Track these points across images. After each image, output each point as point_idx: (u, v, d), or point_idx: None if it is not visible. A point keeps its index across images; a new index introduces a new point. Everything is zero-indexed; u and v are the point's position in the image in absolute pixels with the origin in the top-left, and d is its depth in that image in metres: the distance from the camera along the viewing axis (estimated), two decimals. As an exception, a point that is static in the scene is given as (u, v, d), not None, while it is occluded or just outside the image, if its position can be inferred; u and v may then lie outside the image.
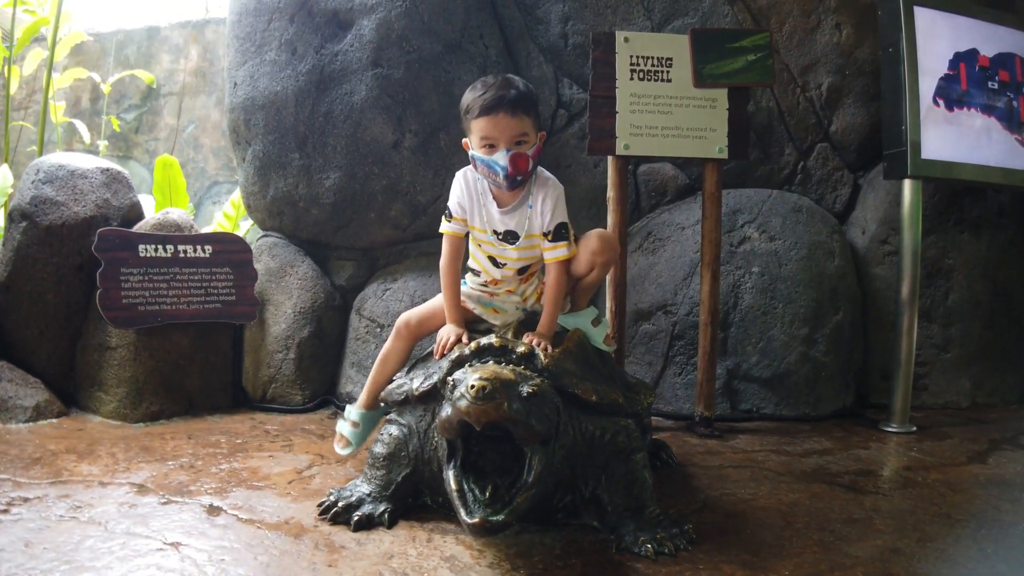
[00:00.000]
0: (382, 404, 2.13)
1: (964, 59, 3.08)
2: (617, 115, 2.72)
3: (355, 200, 3.23)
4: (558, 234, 2.02)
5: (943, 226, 3.35)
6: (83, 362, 2.93)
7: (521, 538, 1.73)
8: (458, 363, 1.81)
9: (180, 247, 2.97)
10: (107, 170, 3.06)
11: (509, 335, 1.92)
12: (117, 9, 5.69)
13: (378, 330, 3.13)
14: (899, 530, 1.83)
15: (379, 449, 1.89)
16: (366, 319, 3.20)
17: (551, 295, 2.02)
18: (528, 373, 1.71)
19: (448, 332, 2.00)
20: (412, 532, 1.77)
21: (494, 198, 2.05)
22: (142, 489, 2.00)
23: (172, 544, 1.65)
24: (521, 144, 1.95)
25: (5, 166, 3.79)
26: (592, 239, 2.05)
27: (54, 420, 2.73)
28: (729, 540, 1.75)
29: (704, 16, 3.35)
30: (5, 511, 1.80)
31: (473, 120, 1.96)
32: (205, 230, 3.77)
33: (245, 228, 4.20)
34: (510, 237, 2.06)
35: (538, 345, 1.85)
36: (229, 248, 3.08)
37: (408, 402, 1.90)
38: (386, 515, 1.80)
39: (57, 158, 3.03)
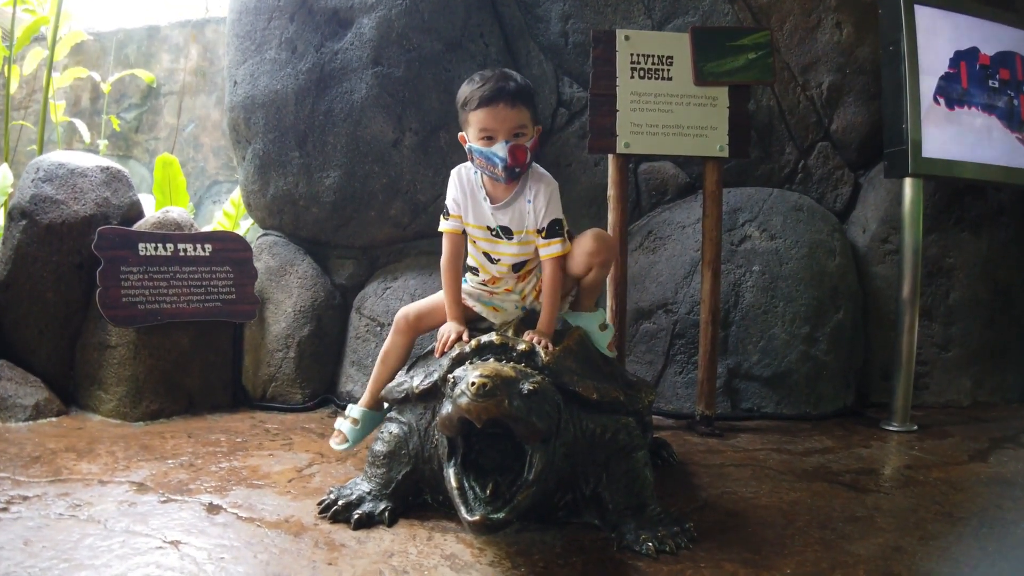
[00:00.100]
0: (385, 405, 2.13)
1: (965, 58, 3.07)
2: (618, 113, 2.72)
3: (355, 199, 3.23)
4: (552, 230, 2.02)
5: (944, 225, 3.35)
6: (83, 361, 2.92)
7: (522, 536, 1.72)
8: (459, 361, 1.80)
9: (180, 246, 2.97)
10: (107, 168, 3.06)
11: (509, 333, 1.92)
12: (117, 8, 5.71)
13: (378, 329, 3.12)
14: (901, 528, 1.83)
15: (379, 447, 1.89)
16: (366, 318, 3.20)
17: (548, 292, 2.02)
18: (529, 371, 1.70)
19: (449, 330, 2.00)
20: (412, 530, 1.76)
21: (488, 194, 2.06)
22: (142, 487, 2.00)
23: (172, 542, 1.64)
24: (519, 136, 1.96)
25: (5, 165, 3.79)
26: (587, 239, 2.04)
27: (54, 419, 2.72)
28: (730, 538, 1.74)
29: (704, 15, 3.34)
30: (4, 509, 1.79)
31: (471, 112, 1.96)
32: (205, 229, 3.77)
33: (245, 227, 4.19)
34: (504, 233, 2.06)
35: (538, 343, 1.85)
36: (229, 247, 3.08)
37: (408, 400, 1.90)
38: (386, 513, 1.79)
39: (57, 156, 3.03)
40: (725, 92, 2.77)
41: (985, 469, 2.37)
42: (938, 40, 3.00)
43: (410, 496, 1.88)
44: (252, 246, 3.23)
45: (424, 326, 2.18)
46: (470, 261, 2.19)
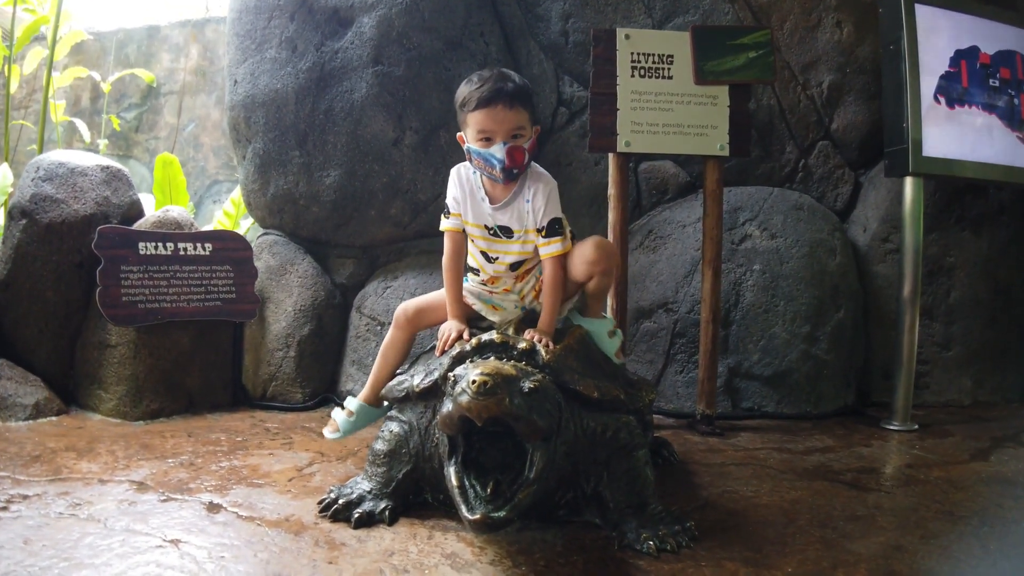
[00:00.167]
0: (384, 403, 2.13)
1: (965, 56, 3.07)
2: (618, 112, 2.71)
3: (355, 198, 3.22)
4: (551, 229, 2.02)
5: (944, 224, 3.35)
6: (83, 360, 2.92)
7: (523, 535, 1.72)
8: (459, 359, 1.80)
9: (180, 245, 2.97)
10: (107, 168, 3.06)
11: (510, 331, 1.91)
12: (117, 8, 5.71)
13: (379, 328, 3.12)
14: (902, 527, 1.82)
15: (380, 446, 1.89)
16: (367, 317, 3.20)
17: (548, 291, 2.01)
18: (529, 369, 1.70)
19: (450, 328, 2.00)
20: (413, 529, 1.76)
21: (487, 194, 2.06)
22: (142, 487, 2.00)
23: (172, 541, 1.64)
24: (517, 137, 1.95)
25: (5, 165, 3.79)
26: (588, 248, 2.03)
27: (54, 418, 2.72)
28: (731, 537, 1.74)
29: (705, 14, 3.34)
30: (4, 508, 1.79)
31: (470, 113, 1.96)
32: (205, 228, 3.76)
33: (245, 226, 4.19)
34: (503, 232, 2.06)
35: (539, 341, 1.85)
36: (229, 246, 3.08)
37: (409, 399, 1.89)
38: (387, 512, 1.79)
39: (57, 156, 3.03)
40: (725, 91, 2.77)
41: (986, 468, 2.37)
42: (938, 39, 3.00)
43: (411, 495, 1.88)
44: (252, 245, 3.23)
45: (424, 322, 2.18)
46: (470, 261, 2.19)
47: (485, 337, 1.85)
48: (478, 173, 2.06)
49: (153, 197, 4.15)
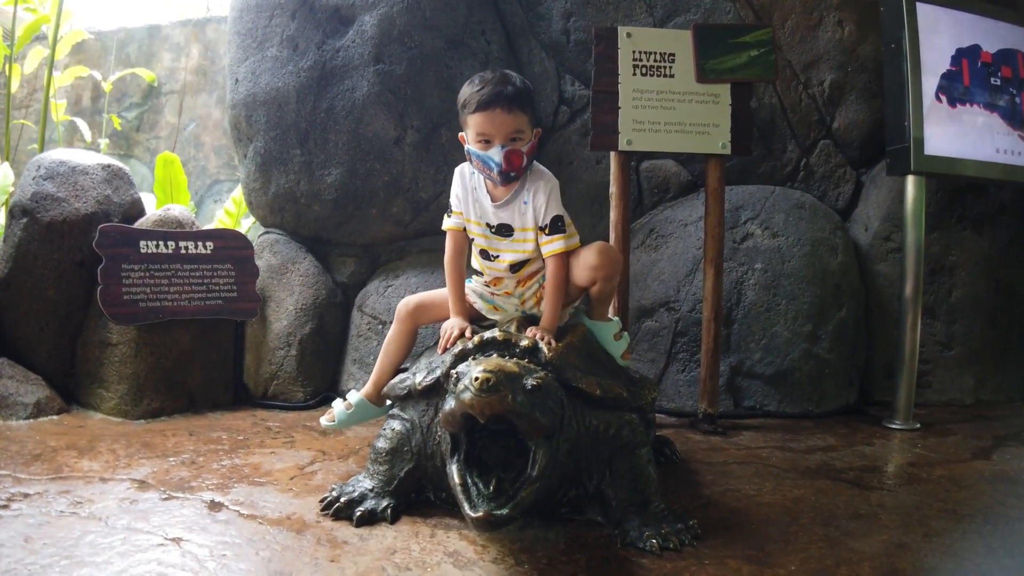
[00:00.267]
0: (386, 402, 2.12)
1: (966, 55, 3.07)
2: (620, 111, 2.71)
3: (357, 196, 3.22)
4: (555, 227, 2.02)
5: (946, 223, 3.34)
6: (84, 359, 2.92)
7: (525, 533, 1.72)
8: (461, 357, 1.80)
9: (181, 243, 2.97)
10: (108, 166, 3.06)
11: (512, 329, 1.91)
12: (118, 7, 5.70)
13: (380, 327, 3.12)
14: (905, 525, 1.82)
15: (381, 444, 1.88)
16: (368, 316, 3.20)
17: (551, 289, 2.01)
18: (532, 366, 1.70)
19: (452, 326, 2.00)
20: (415, 527, 1.75)
21: (488, 192, 2.06)
22: (143, 485, 1.99)
23: (173, 539, 1.64)
24: (516, 141, 1.95)
25: (6, 164, 3.78)
26: (591, 253, 2.02)
27: (55, 417, 2.72)
28: (734, 535, 1.73)
29: (706, 13, 3.34)
30: (5, 506, 1.79)
31: (469, 115, 1.96)
32: (207, 227, 3.76)
33: (246, 226, 4.19)
34: (504, 231, 2.06)
35: (541, 339, 1.85)
36: (230, 244, 3.08)
37: (411, 396, 1.89)
38: (389, 510, 1.78)
39: (58, 154, 3.02)
40: (727, 89, 2.77)
41: (988, 467, 2.36)
42: (940, 38, 3.00)
43: (413, 493, 1.87)
44: (253, 244, 3.23)
45: (425, 317, 2.18)
46: (473, 263, 2.19)
47: (487, 335, 1.84)
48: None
49: (154, 196, 4.15)
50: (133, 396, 2.79)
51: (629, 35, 2.74)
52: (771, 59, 2.79)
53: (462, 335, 1.94)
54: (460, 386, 1.51)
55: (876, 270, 3.30)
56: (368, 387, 2.22)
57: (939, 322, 3.30)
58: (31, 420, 2.64)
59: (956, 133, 3.00)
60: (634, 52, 2.73)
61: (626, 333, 2.21)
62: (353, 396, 2.22)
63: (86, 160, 3.02)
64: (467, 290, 2.16)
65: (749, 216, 3.22)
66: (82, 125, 4.85)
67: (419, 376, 1.87)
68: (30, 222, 2.84)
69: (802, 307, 3.05)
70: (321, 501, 1.86)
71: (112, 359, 2.84)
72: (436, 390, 1.82)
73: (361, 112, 3.11)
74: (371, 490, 1.84)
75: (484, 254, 2.12)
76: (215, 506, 1.85)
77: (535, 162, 2.08)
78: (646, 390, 2.06)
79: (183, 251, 2.97)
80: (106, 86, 5.12)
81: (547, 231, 2.02)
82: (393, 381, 1.99)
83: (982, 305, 3.33)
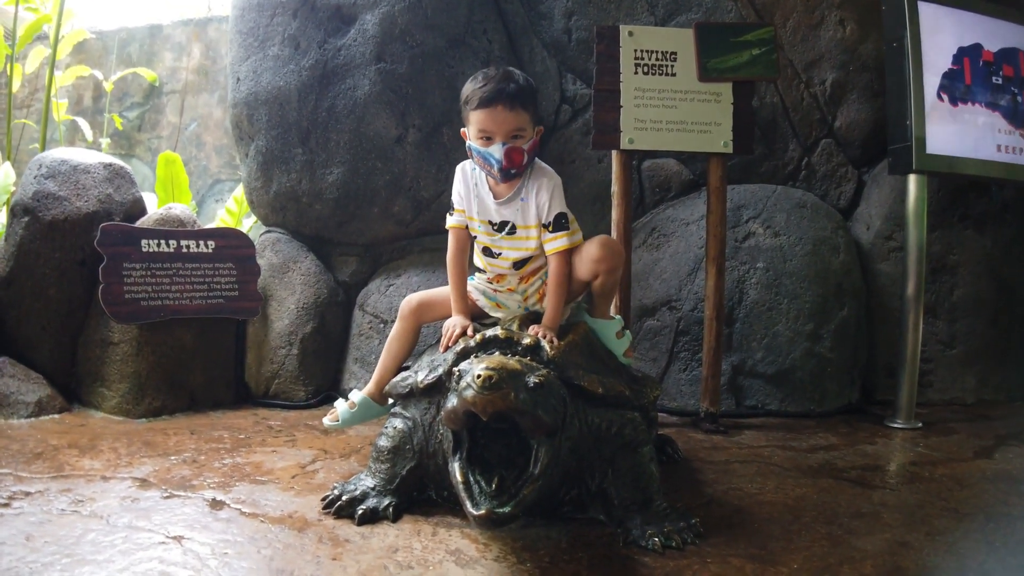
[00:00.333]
0: (388, 402, 2.12)
1: (968, 54, 3.06)
2: (621, 109, 2.71)
3: (358, 195, 3.22)
4: (558, 224, 2.02)
5: (947, 222, 3.34)
6: (85, 358, 2.91)
7: (527, 532, 1.71)
8: (464, 354, 1.80)
9: (183, 242, 2.96)
10: (109, 165, 3.06)
11: (515, 327, 1.91)
12: (119, 7, 5.70)
13: (381, 326, 3.12)
14: (907, 524, 1.82)
15: (383, 442, 1.88)
16: (369, 315, 3.20)
17: (554, 286, 2.01)
18: (534, 364, 1.69)
19: (454, 324, 2.00)
20: (417, 526, 1.75)
21: (490, 189, 2.06)
22: (144, 483, 1.99)
23: (175, 538, 1.63)
24: (517, 138, 1.95)
25: (7, 164, 3.79)
26: (593, 246, 2.03)
27: (56, 416, 2.72)
28: (737, 534, 1.73)
29: (707, 12, 3.34)
30: (6, 505, 1.79)
31: (472, 111, 1.96)
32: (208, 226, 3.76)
33: (248, 225, 4.19)
34: (506, 227, 2.06)
35: (544, 337, 1.84)
36: (232, 243, 3.08)
37: (413, 395, 1.89)
38: (390, 509, 1.78)
39: (59, 153, 3.03)
40: (729, 88, 2.76)
41: (990, 466, 2.36)
42: (941, 36, 2.99)
43: (414, 491, 1.87)
44: (255, 243, 3.23)
45: (428, 315, 2.18)
46: (476, 261, 2.19)
47: (489, 333, 1.84)
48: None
49: (156, 196, 4.15)
50: (134, 395, 2.79)
51: (631, 34, 2.74)
52: (773, 58, 2.79)
53: (464, 333, 1.94)
54: (462, 384, 1.50)
55: (878, 269, 3.30)
56: (371, 386, 2.22)
57: (941, 321, 3.30)
58: (32, 419, 2.64)
59: (958, 132, 2.99)
60: (636, 51, 2.73)
61: (628, 331, 2.20)
62: (356, 395, 2.22)
63: (88, 159, 3.02)
64: (469, 288, 2.16)
65: (751, 215, 3.22)
66: (83, 125, 4.85)
67: (421, 374, 1.87)
68: (32, 221, 2.84)
69: (804, 306, 3.05)
70: (323, 499, 1.85)
71: (113, 358, 2.84)
72: (438, 388, 1.82)
73: (363, 111, 3.11)
74: (373, 488, 1.84)
75: (487, 251, 2.12)
76: (217, 504, 1.85)
77: (537, 160, 2.08)
78: (648, 388, 2.06)
79: (185, 250, 2.96)
80: (107, 86, 5.12)
81: (550, 228, 2.02)
82: (395, 379, 1.98)
83: (984, 304, 3.32)
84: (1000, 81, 3.12)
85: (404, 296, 3.05)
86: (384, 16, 3.08)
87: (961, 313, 3.30)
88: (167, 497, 1.89)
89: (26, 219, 2.85)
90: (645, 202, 3.48)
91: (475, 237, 2.13)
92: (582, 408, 1.76)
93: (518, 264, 2.10)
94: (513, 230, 2.06)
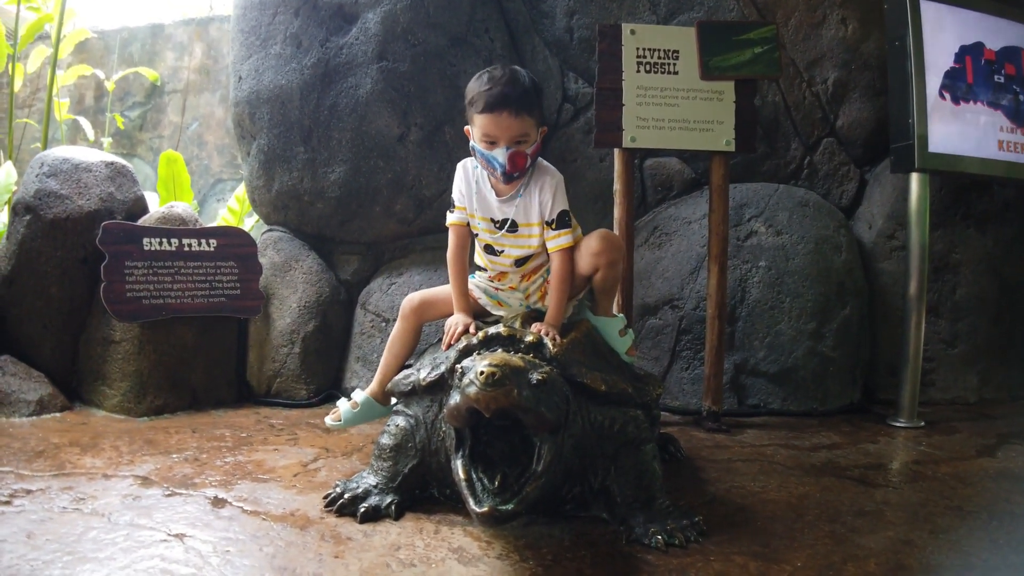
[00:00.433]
0: (391, 401, 2.12)
1: (970, 52, 3.06)
2: (623, 107, 2.71)
3: (360, 194, 3.22)
4: (561, 221, 2.02)
5: (950, 221, 3.34)
6: (87, 356, 2.91)
7: (530, 530, 1.71)
8: (466, 352, 1.79)
9: (185, 241, 2.96)
10: (111, 164, 3.06)
11: (517, 325, 1.90)
12: (121, 6, 5.69)
13: (383, 324, 3.11)
14: (910, 522, 1.81)
15: (385, 440, 1.88)
16: (371, 313, 3.19)
17: (556, 284, 2.01)
18: (537, 361, 1.69)
19: (456, 322, 2.00)
20: (419, 524, 1.75)
21: (492, 187, 2.06)
22: (146, 481, 1.99)
23: (177, 535, 1.63)
24: (521, 143, 1.95)
25: (9, 163, 3.78)
26: (593, 240, 2.03)
27: (57, 414, 2.71)
28: (740, 532, 1.73)
29: (709, 10, 3.34)
30: (7, 503, 1.78)
31: (476, 114, 1.96)
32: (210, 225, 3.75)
33: (250, 224, 4.19)
34: (509, 226, 2.06)
35: (546, 334, 1.84)
36: (234, 242, 3.08)
37: (415, 392, 1.88)
38: (393, 507, 1.78)
39: (61, 151, 3.02)
40: (731, 86, 2.76)
41: (993, 464, 2.36)
42: (943, 35, 2.99)
43: (417, 489, 1.87)
44: (257, 242, 3.22)
45: (429, 314, 2.18)
46: (476, 259, 2.19)
47: (492, 330, 1.84)
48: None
49: (157, 195, 4.15)
50: (136, 393, 2.79)
51: (633, 32, 2.73)
52: (775, 56, 2.78)
53: (466, 331, 1.94)
54: (465, 380, 1.50)
55: (880, 268, 3.30)
56: (373, 385, 2.21)
57: (943, 320, 3.30)
58: (34, 417, 2.64)
59: (960, 131, 2.99)
60: (638, 49, 2.73)
61: (631, 330, 2.20)
62: (359, 395, 2.22)
63: (89, 157, 3.02)
64: (470, 286, 2.16)
65: (753, 214, 3.21)
66: (85, 124, 4.85)
67: (423, 372, 1.86)
68: (33, 219, 2.84)
69: (806, 305, 3.04)
70: (325, 497, 1.85)
71: (115, 356, 2.83)
72: (440, 386, 1.82)
73: (365, 109, 3.11)
74: (375, 486, 1.83)
75: (489, 249, 2.11)
76: (218, 502, 1.85)
77: (539, 158, 2.08)
78: (651, 386, 2.06)
79: (186, 248, 2.96)
80: (109, 85, 5.12)
81: (553, 226, 2.01)
82: (397, 377, 1.98)
83: (986, 303, 3.32)
84: (1002, 80, 3.11)
85: (406, 295, 3.06)
86: (386, 15, 3.08)
87: (963, 312, 3.30)
88: (169, 495, 1.89)
89: (28, 217, 2.85)
90: (647, 201, 3.47)
91: (476, 235, 2.13)
92: (585, 405, 1.76)
93: (520, 261, 2.10)
94: (515, 228, 2.06)
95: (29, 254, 2.84)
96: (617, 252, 2.04)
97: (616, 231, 2.73)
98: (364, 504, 1.77)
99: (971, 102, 3.04)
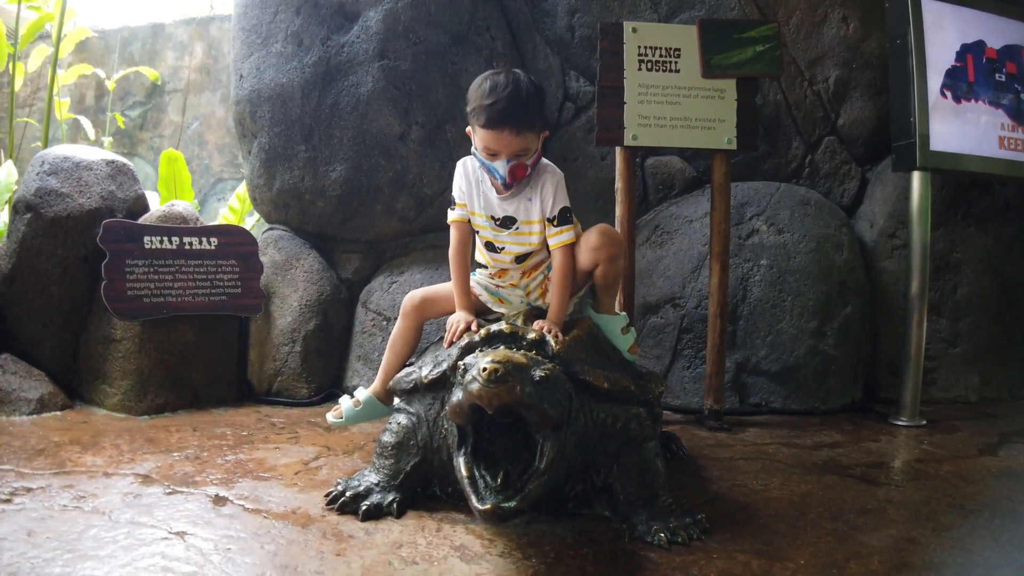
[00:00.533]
0: (395, 401, 2.11)
1: (971, 51, 3.06)
2: (625, 106, 2.71)
3: (361, 192, 3.22)
4: (562, 218, 2.02)
5: (951, 220, 3.33)
6: (87, 355, 2.91)
7: (532, 528, 1.71)
8: (468, 349, 1.79)
9: (185, 239, 2.96)
10: (112, 162, 3.05)
11: (519, 322, 1.90)
12: (122, 6, 5.69)
13: (384, 323, 3.11)
14: (913, 520, 1.81)
15: (387, 438, 1.87)
16: (372, 312, 3.19)
17: (558, 281, 2.00)
18: (540, 358, 1.69)
19: (458, 319, 1.99)
20: (421, 522, 1.74)
21: (492, 185, 2.06)
22: (147, 480, 1.98)
23: (177, 533, 1.63)
24: (521, 155, 1.96)
25: (10, 162, 3.78)
26: (592, 234, 2.03)
27: (58, 413, 2.71)
28: (742, 530, 1.72)
29: (710, 9, 3.34)
30: (8, 501, 1.78)
31: (478, 126, 1.95)
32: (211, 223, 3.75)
33: (251, 223, 4.18)
34: (508, 223, 2.06)
35: (548, 332, 1.84)
36: (235, 240, 3.07)
37: (417, 390, 1.88)
38: (395, 505, 1.77)
39: (62, 150, 3.02)
40: (733, 85, 2.76)
41: (995, 463, 2.35)
42: (945, 33, 2.99)
43: (419, 487, 1.86)
44: (258, 240, 3.22)
45: (431, 311, 2.17)
46: (478, 256, 2.19)
47: (494, 327, 1.83)
48: None
49: (158, 194, 4.14)
50: (137, 392, 2.78)
51: (634, 30, 2.73)
52: (777, 54, 2.78)
53: (468, 328, 1.93)
54: (468, 377, 1.50)
55: (881, 267, 3.29)
56: (376, 384, 2.21)
57: (944, 319, 3.29)
58: (34, 416, 2.64)
59: (961, 129, 2.99)
60: (639, 47, 2.72)
61: (633, 328, 2.19)
62: (361, 393, 2.21)
63: (90, 156, 3.01)
64: (472, 283, 2.15)
65: (754, 212, 3.21)
66: (86, 123, 4.85)
67: (425, 369, 1.86)
68: (34, 218, 2.84)
69: (808, 304, 3.04)
70: (326, 496, 1.84)
71: (116, 355, 2.83)
72: (442, 384, 1.81)
73: (366, 108, 3.10)
74: (377, 484, 1.83)
75: (489, 246, 2.11)
76: (219, 500, 1.84)
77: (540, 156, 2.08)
78: (653, 384, 2.05)
79: (187, 247, 2.96)
80: (110, 84, 5.12)
81: (555, 222, 2.01)
82: (399, 375, 1.98)
83: (987, 302, 3.32)
84: (1003, 78, 3.11)
85: (407, 293, 3.07)
86: (387, 13, 3.08)
87: (964, 311, 3.30)
88: (169, 493, 1.88)
89: (28, 216, 2.84)
90: (648, 200, 3.47)
91: (477, 232, 2.13)
92: (587, 403, 1.75)
93: (520, 258, 2.10)
94: (515, 225, 2.06)
95: (30, 252, 2.84)
96: (616, 246, 2.04)
97: (618, 229, 2.73)
98: (366, 502, 1.77)
99: (972, 100, 3.04)
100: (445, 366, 1.80)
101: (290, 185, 3.27)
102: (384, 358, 2.20)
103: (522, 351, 1.72)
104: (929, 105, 2.90)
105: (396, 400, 2.06)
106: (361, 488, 1.82)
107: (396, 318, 2.23)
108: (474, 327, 1.92)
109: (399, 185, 3.21)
